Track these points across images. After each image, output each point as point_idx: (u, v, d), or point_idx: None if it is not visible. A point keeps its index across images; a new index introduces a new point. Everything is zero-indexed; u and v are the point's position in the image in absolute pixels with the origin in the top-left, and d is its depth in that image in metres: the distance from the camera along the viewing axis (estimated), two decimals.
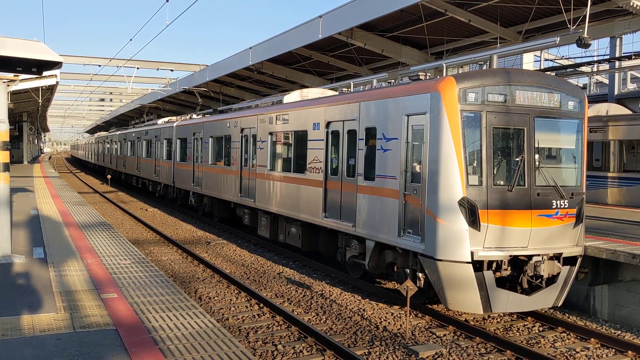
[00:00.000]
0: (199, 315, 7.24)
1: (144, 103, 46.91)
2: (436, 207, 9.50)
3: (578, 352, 8.93)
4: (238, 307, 10.94)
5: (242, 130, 17.91)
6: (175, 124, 26.24)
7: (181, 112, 47.30)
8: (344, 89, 14.59)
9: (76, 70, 39.55)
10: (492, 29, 16.81)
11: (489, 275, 9.35)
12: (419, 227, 9.96)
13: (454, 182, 9.37)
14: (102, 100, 60.35)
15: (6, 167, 9.84)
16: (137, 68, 33.90)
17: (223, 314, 10.43)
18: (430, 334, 9.56)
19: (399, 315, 10.52)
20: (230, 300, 11.43)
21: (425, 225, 9.73)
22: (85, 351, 5.92)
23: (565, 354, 8.85)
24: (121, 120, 69.91)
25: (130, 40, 27.57)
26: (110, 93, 53.98)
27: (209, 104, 41.11)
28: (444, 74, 10.69)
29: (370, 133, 11.50)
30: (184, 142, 24.75)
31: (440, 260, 9.39)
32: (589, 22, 13.44)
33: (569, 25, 13.98)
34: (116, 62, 33.15)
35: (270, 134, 15.89)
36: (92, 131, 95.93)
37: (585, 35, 13.15)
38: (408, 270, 10.34)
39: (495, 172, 9.65)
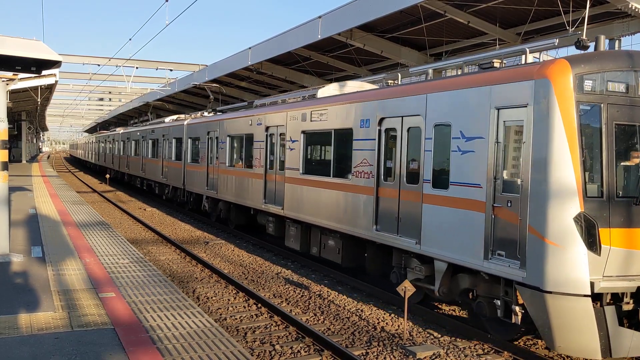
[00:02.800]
0: (197, 315, 7.25)
1: (149, 100, 45.08)
2: (543, 225, 7.68)
3: None
4: (236, 307, 10.95)
5: (267, 128, 15.92)
6: (186, 122, 24.27)
7: (181, 111, 47.21)
8: (389, 82, 12.42)
9: (75, 70, 39.41)
10: (491, 31, 16.83)
11: (610, 311, 7.70)
12: (517, 249, 8.06)
13: (569, 193, 7.60)
14: (101, 99, 60.26)
15: (5, 166, 9.85)
16: (137, 67, 33.91)
17: (221, 314, 10.43)
18: (428, 335, 9.56)
19: (396, 316, 10.53)
20: (228, 300, 11.43)
21: (527, 247, 7.85)
22: (83, 350, 5.93)
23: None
24: (120, 120, 69.85)
25: (130, 39, 27.58)
26: (110, 92, 53.93)
27: (207, 103, 41.09)
28: (525, 60, 9.00)
29: (442, 131, 9.54)
30: (196, 141, 22.79)
31: (550, 292, 7.61)
32: (587, 24, 13.46)
33: (567, 27, 14.01)
34: (115, 62, 33.14)
35: (304, 133, 13.94)
36: (91, 130, 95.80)
37: (584, 37, 13.16)
38: (499, 302, 8.53)
39: (618, 180, 7.87)
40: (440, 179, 9.57)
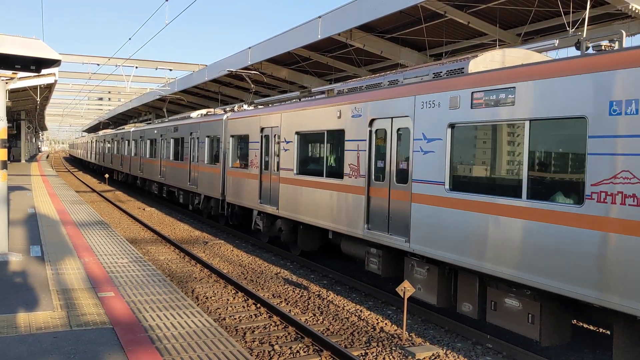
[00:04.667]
0: (196, 315, 7.24)
1: (165, 95, 39.28)
2: None
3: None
4: (235, 307, 10.94)
5: (371, 122, 11.30)
6: (225, 117, 19.67)
7: (180, 111, 47.16)
8: (604, 44, 7.92)
9: (75, 69, 39.54)
10: (491, 31, 16.84)
11: None
12: None
13: None
14: (101, 99, 60.35)
15: (4, 165, 9.84)
16: (136, 67, 33.95)
17: (220, 314, 10.42)
18: (427, 335, 9.56)
19: (396, 316, 10.52)
20: (227, 300, 11.42)
21: None
22: (81, 349, 5.92)
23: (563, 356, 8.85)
24: (120, 120, 69.79)
25: (129, 39, 27.53)
26: (109, 92, 54.02)
27: (207, 103, 41.04)
28: None
29: None
30: (242, 141, 18.28)
31: None
32: (587, 25, 13.48)
33: (567, 28, 14.03)
34: (115, 61, 33.17)
35: (453, 126, 9.26)
36: (92, 129, 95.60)
37: (584, 37, 13.19)
38: None
39: None
40: None
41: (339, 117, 12.41)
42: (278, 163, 15.27)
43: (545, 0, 14.25)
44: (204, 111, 25.04)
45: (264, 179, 16.23)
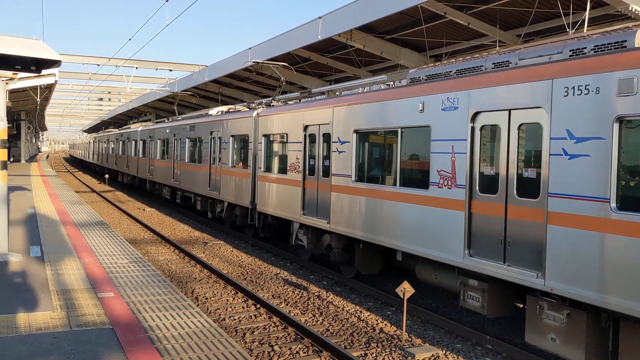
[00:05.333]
0: (196, 315, 7.25)
1: (165, 94, 37.48)
2: None
3: None
4: (235, 307, 10.94)
5: (474, 116, 8.77)
6: (256, 113, 17.30)
7: (182, 111, 47.11)
8: None
9: (75, 69, 39.67)
10: (491, 32, 16.84)
11: None
12: None
13: None
14: (101, 99, 60.39)
15: (4, 165, 9.85)
16: (136, 68, 34.01)
17: (220, 315, 10.43)
18: (427, 336, 9.56)
19: (395, 317, 10.52)
20: (227, 300, 11.42)
21: None
22: (81, 350, 5.92)
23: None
24: (120, 120, 69.78)
25: (130, 39, 27.58)
26: (109, 92, 54.07)
27: (207, 103, 41.07)
28: None
29: None
30: (278, 141, 15.77)
31: None
32: (587, 26, 13.48)
33: (567, 30, 14.04)
34: (115, 62, 33.23)
35: (622, 120, 6.66)
36: (89, 130, 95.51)
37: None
38: None
39: None
40: None
41: (422, 110, 9.83)
42: (328, 167, 12.86)
43: (545, 1, 14.26)
44: (224, 108, 22.61)
45: (308, 186, 13.82)
